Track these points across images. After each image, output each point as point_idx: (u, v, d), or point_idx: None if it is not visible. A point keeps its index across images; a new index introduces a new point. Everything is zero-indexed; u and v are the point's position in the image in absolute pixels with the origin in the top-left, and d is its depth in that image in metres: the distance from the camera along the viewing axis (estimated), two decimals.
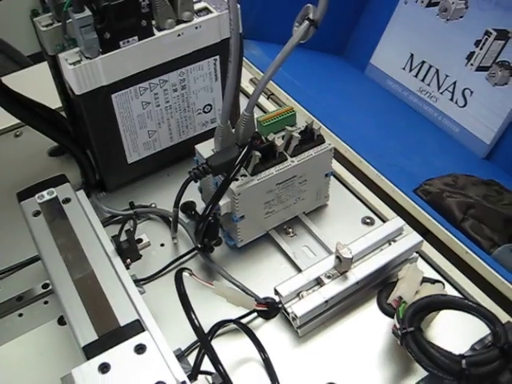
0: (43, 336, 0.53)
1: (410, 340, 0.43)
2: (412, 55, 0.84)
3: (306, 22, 0.49)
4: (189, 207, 0.61)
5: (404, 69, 0.85)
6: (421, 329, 0.44)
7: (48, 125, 0.60)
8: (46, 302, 0.56)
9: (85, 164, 0.63)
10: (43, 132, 0.60)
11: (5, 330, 0.54)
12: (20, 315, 0.55)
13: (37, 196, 0.52)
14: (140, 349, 0.39)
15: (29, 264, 0.58)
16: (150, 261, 0.58)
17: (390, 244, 0.55)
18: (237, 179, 0.52)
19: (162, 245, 0.60)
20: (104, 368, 0.38)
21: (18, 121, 0.72)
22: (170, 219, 0.61)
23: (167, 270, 0.57)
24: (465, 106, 0.78)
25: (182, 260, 0.58)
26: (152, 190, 0.65)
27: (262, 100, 0.76)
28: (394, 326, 0.46)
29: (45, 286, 0.57)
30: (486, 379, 0.42)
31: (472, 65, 0.77)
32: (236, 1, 0.46)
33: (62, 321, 0.54)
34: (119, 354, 0.39)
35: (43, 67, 0.85)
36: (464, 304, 0.45)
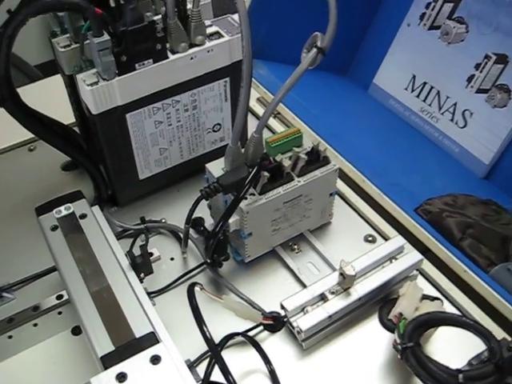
0: (57, 345, 0.56)
1: (410, 355, 0.46)
2: (414, 76, 0.87)
3: (314, 50, 0.52)
4: (198, 223, 0.63)
5: (406, 89, 0.87)
6: (420, 344, 0.47)
7: (63, 140, 0.62)
8: (59, 313, 0.58)
9: (98, 179, 0.65)
10: (58, 148, 0.62)
11: (20, 338, 0.56)
12: (35, 325, 0.57)
13: (55, 211, 0.54)
14: (155, 359, 0.41)
15: (43, 275, 0.61)
16: (160, 274, 0.60)
17: (391, 262, 0.57)
18: (246, 198, 0.55)
19: (172, 259, 0.62)
20: (121, 377, 0.41)
21: (32, 135, 0.76)
22: (180, 234, 0.63)
23: (177, 283, 0.59)
24: (465, 126, 0.80)
25: (191, 274, 0.60)
26: (162, 205, 0.68)
27: (270, 119, 0.78)
28: (395, 340, 0.48)
29: (59, 297, 0.59)
30: None
31: (472, 87, 0.80)
32: (249, 29, 0.49)
33: (75, 331, 0.56)
34: (136, 364, 0.41)
35: (53, 81, 0.88)
36: (461, 321, 0.47)
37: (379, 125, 0.86)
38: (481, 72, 0.79)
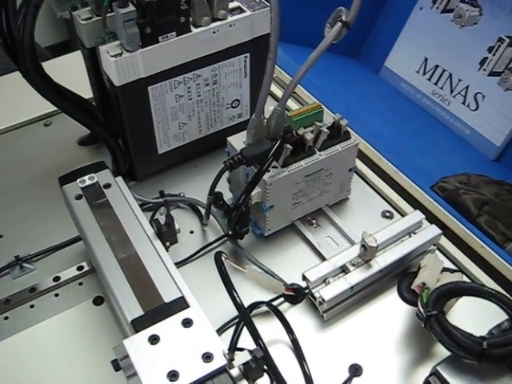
0: (79, 315, 0.56)
1: (434, 322, 0.46)
2: (426, 59, 0.87)
3: (339, 24, 0.52)
4: (217, 197, 0.63)
5: (418, 72, 0.88)
6: (443, 312, 0.47)
7: (85, 113, 0.62)
8: (80, 284, 0.58)
9: (116, 152, 0.65)
10: (80, 121, 0.63)
11: (43, 308, 0.56)
12: (56, 295, 0.58)
13: (78, 181, 0.54)
14: (187, 323, 0.42)
15: (64, 247, 0.61)
16: (180, 247, 0.60)
17: (410, 236, 0.58)
18: (268, 170, 0.55)
19: (192, 232, 0.63)
20: (154, 340, 0.41)
21: (48, 110, 0.76)
22: (199, 208, 0.63)
23: (198, 255, 0.60)
24: (476, 109, 0.81)
25: (211, 247, 0.60)
26: (180, 180, 0.68)
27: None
28: (418, 309, 0.49)
29: (79, 268, 0.59)
30: (505, 359, 0.45)
31: (485, 70, 0.81)
32: (278, 1, 0.49)
33: (96, 301, 0.57)
34: (167, 327, 0.42)
35: (63, 60, 0.88)
36: (484, 290, 0.48)
37: (391, 107, 0.87)
38: (494, 55, 0.80)
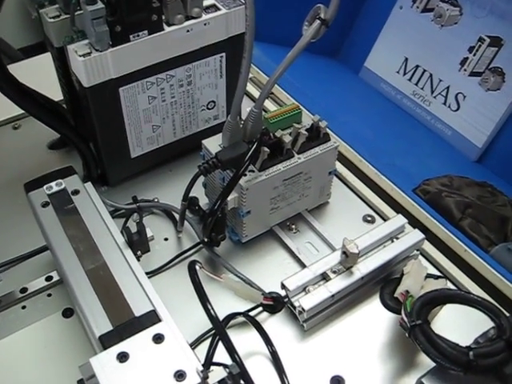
0: (47, 329, 0.53)
1: (419, 332, 0.44)
2: (406, 59, 0.86)
3: (318, 22, 0.50)
4: (192, 202, 0.61)
5: (398, 72, 0.87)
6: (428, 321, 0.45)
7: (55, 117, 0.60)
8: (49, 295, 0.56)
9: (88, 157, 0.63)
10: (50, 125, 0.60)
11: (8, 321, 0.54)
12: (23, 307, 0.55)
13: (45, 187, 0.51)
14: (158, 338, 0.40)
15: (31, 256, 0.58)
16: (154, 255, 0.58)
17: (392, 241, 0.56)
18: (245, 175, 0.53)
19: (166, 239, 0.60)
20: (123, 357, 0.38)
21: (17, 113, 0.73)
22: (174, 214, 0.61)
23: (172, 263, 0.57)
24: (457, 109, 0.80)
25: (186, 254, 0.58)
26: (154, 184, 0.66)
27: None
28: (401, 319, 0.47)
29: (48, 278, 0.56)
30: (491, 370, 0.43)
31: (465, 70, 0.79)
32: None
33: (66, 314, 0.54)
34: (137, 344, 0.39)
35: (35, 61, 0.85)
36: (469, 298, 0.46)
37: (371, 108, 0.85)
38: (474, 55, 0.79)
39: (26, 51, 1.33)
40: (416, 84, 0.85)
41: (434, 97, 0.82)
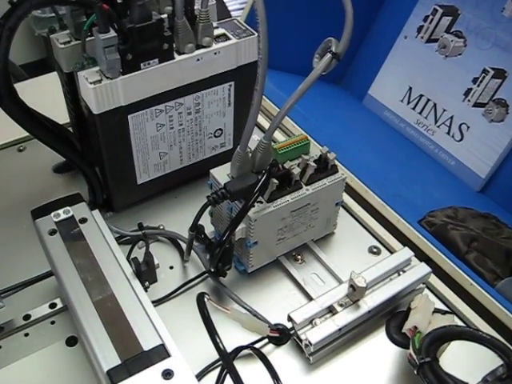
0: (50, 357, 0.52)
1: (428, 370, 0.44)
2: (410, 88, 0.86)
3: (329, 55, 0.50)
4: (198, 231, 0.61)
5: (402, 101, 0.87)
6: (437, 359, 0.45)
7: (61, 141, 0.59)
8: (52, 322, 0.55)
9: (93, 182, 0.62)
10: (56, 149, 0.59)
11: (11, 349, 0.53)
12: (26, 335, 0.54)
13: (53, 214, 0.51)
14: (168, 374, 0.39)
15: (35, 282, 0.57)
16: (159, 283, 0.57)
17: (399, 274, 0.56)
18: (253, 205, 0.53)
19: (171, 267, 0.60)
20: None
21: (22, 135, 0.73)
22: (180, 242, 0.61)
23: (177, 293, 0.57)
24: (461, 140, 0.80)
25: (191, 283, 0.58)
26: (159, 211, 0.65)
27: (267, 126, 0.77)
28: (410, 355, 0.47)
29: (52, 305, 0.56)
30: None
31: (469, 101, 0.80)
32: (267, 31, 0.48)
33: (70, 342, 0.53)
34: (147, 379, 0.39)
35: (40, 81, 0.85)
36: (479, 336, 0.46)
37: (375, 136, 0.86)
38: (478, 86, 0.79)
39: (27, 68, 1.33)
40: (420, 113, 0.85)
41: (438, 126, 0.83)
